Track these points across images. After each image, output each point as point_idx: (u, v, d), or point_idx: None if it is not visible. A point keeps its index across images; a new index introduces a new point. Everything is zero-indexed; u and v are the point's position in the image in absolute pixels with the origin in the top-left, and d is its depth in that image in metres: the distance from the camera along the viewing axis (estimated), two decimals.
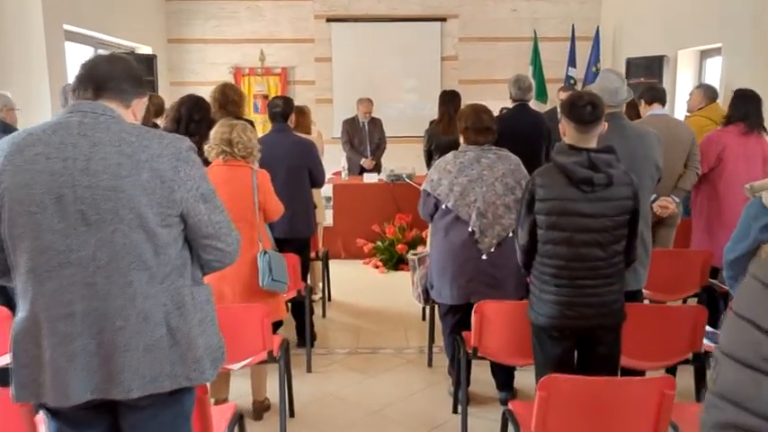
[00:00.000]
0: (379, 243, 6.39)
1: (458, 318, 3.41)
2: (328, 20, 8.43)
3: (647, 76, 6.33)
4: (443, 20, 8.49)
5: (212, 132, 3.12)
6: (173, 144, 1.67)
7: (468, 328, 3.45)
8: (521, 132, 4.96)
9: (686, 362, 2.91)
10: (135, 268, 1.62)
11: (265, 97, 8.43)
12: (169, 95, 6.64)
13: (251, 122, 4.30)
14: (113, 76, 1.68)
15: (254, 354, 2.88)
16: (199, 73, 8.50)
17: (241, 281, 3.05)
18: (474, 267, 3.21)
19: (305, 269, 4.21)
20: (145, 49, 7.57)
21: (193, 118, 3.81)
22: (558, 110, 2.72)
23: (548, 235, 2.42)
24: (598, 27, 8.07)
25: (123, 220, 1.59)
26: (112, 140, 1.60)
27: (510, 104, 7.80)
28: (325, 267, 5.06)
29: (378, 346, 4.34)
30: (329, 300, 5.21)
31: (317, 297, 5.17)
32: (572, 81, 8.09)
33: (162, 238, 1.64)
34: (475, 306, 2.93)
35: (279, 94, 8.41)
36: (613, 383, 2.25)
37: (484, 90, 7.85)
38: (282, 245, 4.13)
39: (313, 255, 4.78)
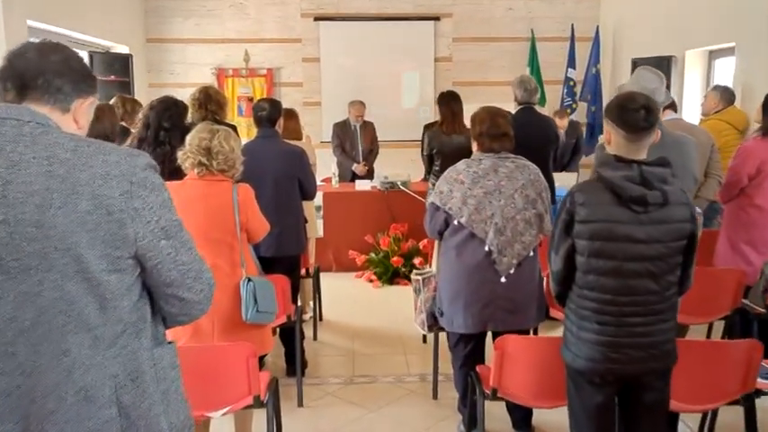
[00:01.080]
0: (373, 255, 5.98)
1: (471, 347, 3.02)
2: (316, 18, 8.03)
3: None
4: (437, 19, 8.12)
5: (189, 137, 2.70)
6: (124, 161, 1.26)
7: (481, 357, 3.07)
8: (528, 137, 4.56)
9: (734, 402, 2.54)
10: (72, 330, 1.21)
11: (250, 100, 8.00)
12: (147, 98, 6.18)
13: (233, 127, 3.90)
14: (44, 71, 1.26)
15: (238, 399, 2.47)
16: (179, 74, 8.05)
17: (221, 312, 2.63)
18: (491, 291, 2.82)
19: (295, 290, 3.79)
20: (121, 49, 7.11)
21: (162, 125, 3.39)
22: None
23: (590, 263, 2.03)
24: (598, 27, 7.74)
25: (54, 267, 1.18)
26: (40, 158, 1.19)
27: (510, 108, 7.43)
28: (317, 286, 4.65)
29: (375, 374, 3.93)
30: (320, 319, 4.80)
31: (307, 317, 4.76)
32: (571, 83, 7.75)
33: (110, 288, 1.24)
34: (495, 342, 2.54)
35: (265, 96, 8.01)
36: None
37: (479, 92, 7.48)
38: (270, 264, 3.72)
39: (303, 272, 4.37)
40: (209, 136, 2.64)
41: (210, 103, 3.88)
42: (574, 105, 7.71)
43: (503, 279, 2.80)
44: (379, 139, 7.00)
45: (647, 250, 1.97)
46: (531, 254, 2.86)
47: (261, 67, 8.08)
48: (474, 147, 2.98)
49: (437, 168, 4.75)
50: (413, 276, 3.38)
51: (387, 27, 8.09)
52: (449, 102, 4.71)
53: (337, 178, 6.47)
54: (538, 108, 7.96)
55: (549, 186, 3.32)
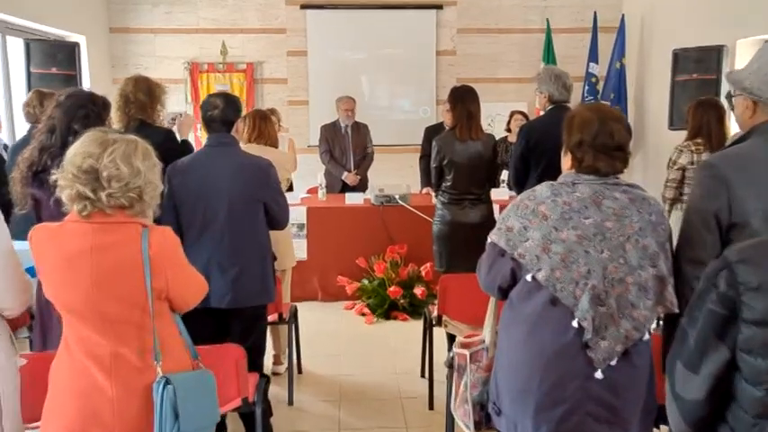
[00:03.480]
0: (366, 282, 5.04)
1: None
2: (303, 6, 7.09)
3: (701, 71, 5.07)
4: (439, 7, 7.18)
5: (68, 155, 1.74)
6: None
7: None
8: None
9: None
10: None
11: None
12: (110, 96, 5.20)
13: (167, 134, 2.98)
14: None
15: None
16: (148, 68, 7.06)
17: (125, 427, 1.67)
18: (580, 391, 1.82)
19: (258, 353, 2.84)
20: (78, 39, 6.13)
21: (73, 129, 2.49)
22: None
23: None
24: (623, 15, 6.81)
25: None
26: None
27: (520, 108, 6.45)
28: (295, 332, 3.69)
29: None
30: (299, 371, 3.84)
31: (281, 369, 3.81)
32: (593, 79, 6.81)
33: None
34: None
35: (244, 93, 7.08)
36: None
37: (486, 90, 6.44)
38: (223, 319, 2.77)
39: (275, 317, 3.41)
40: (97, 151, 1.68)
41: (130, 106, 3.01)
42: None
43: (599, 374, 1.80)
44: (373, 142, 6.08)
45: None
46: (646, 337, 1.89)
47: (240, 61, 7.14)
48: (565, 162, 2.01)
49: (449, 184, 3.79)
50: (455, 350, 2.35)
51: (382, 16, 7.15)
52: (464, 99, 3.75)
53: (324, 190, 5.52)
54: None
55: None
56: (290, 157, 5.73)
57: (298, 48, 7.16)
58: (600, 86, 6.84)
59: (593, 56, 6.86)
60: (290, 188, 6.02)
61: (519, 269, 1.92)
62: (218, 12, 7.08)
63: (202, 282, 1.95)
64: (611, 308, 1.83)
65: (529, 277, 1.89)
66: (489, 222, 3.81)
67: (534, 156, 3.70)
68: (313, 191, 5.87)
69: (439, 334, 3.54)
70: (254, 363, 2.78)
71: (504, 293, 2.01)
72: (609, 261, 1.83)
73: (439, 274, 4.07)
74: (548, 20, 7.05)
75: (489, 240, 2.02)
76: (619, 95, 6.71)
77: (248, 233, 2.71)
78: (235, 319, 2.73)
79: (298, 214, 5.15)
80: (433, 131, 5.93)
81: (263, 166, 2.74)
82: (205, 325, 2.55)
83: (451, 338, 3.62)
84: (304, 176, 6.29)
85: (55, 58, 4.91)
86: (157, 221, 2.71)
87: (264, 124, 3.63)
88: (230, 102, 2.75)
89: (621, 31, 6.76)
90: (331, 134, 5.94)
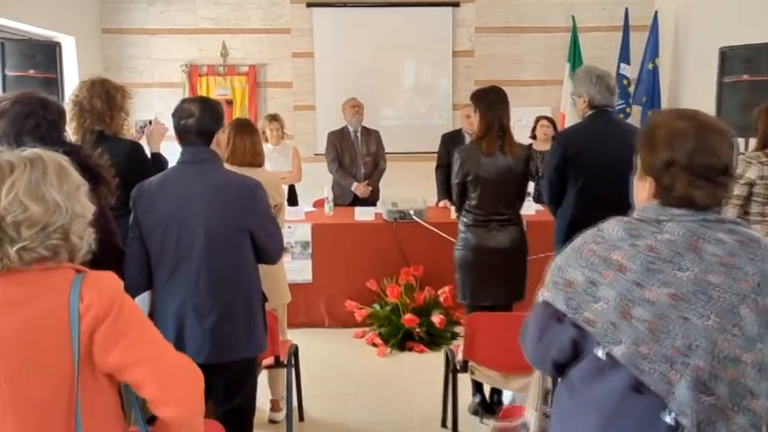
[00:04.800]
0: (377, 307, 4.52)
1: None
2: (309, 5, 6.60)
3: (752, 72, 4.50)
4: (456, 5, 6.67)
5: None
6: None
7: None
8: (607, 157, 3.13)
9: None
10: None
11: (229, 104, 6.59)
12: None
13: (133, 146, 2.50)
14: None
15: None
16: (143, 72, 6.65)
17: None
18: None
19: (245, 416, 2.32)
20: (66, 40, 5.67)
21: (22, 142, 2.02)
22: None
23: None
24: (656, 12, 6.26)
25: None
26: None
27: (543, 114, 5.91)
28: (296, 374, 3.16)
29: None
30: (301, 419, 3.33)
31: (280, 416, 3.30)
32: (625, 81, 6.26)
33: None
34: None
35: (246, 98, 6.61)
36: None
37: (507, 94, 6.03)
38: (204, 374, 2.26)
39: (271, 361, 2.89)
40: None
41: (85, 115, 2.55)
42: (627, 110, 6.22)
43: None
44: (386, 150, 5.58)
45: None
46: None
47: (242, 64, 6.64)
48: (641, 190, 1.47)
49: (473, 203, 3.24)
50: None
51: (394, 15, 6.63)
52: (493, 105, 3.17)
53: (331, 204, 5.00)
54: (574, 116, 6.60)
55: None
56: (295, 167, 5.26)
57: (303, 49, 6.66)
58: (631, 89, 6.30)
59: (624, 56, 6.31)
60: (295, 201, 5.54)
61: (584, 340, 1.40)
62: (218, 10, 6.60)
63: (167, 355, 1.38)
64: (720, 398, 1.29)
65: (601, 353, 1.36)
66: (520, 247, 3.28)
67: (573, 168, 3.18)
68: (319, 203, 5.37)
69: (463, 375, 3.02)
70: (242, 426, 2.27)
71: (560, 370, 1.49)
72: (718, 332, 1.30)
73: (462, 305, 3.55)
74: (573, 17, 6.52)
75: (540, 298, 1.50)
76: (652, 99, 6.16)
77: (231, 270, 2.20)
78: (216, 377, 2.22)
79: (302, 232, 4.65)
80: (450, 139, 5.45)
81: (248, 187, 2.22)
82: None
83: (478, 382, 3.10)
84: (310, 187, 5.84)
85: (33, 60, 4.43)
86: (119, 257, 2.23)
87: (241, 139, 2.99)
88: (208, 108, 2.24)
89: (654, 29, 6.22)
90: (339, 141, 5.45)
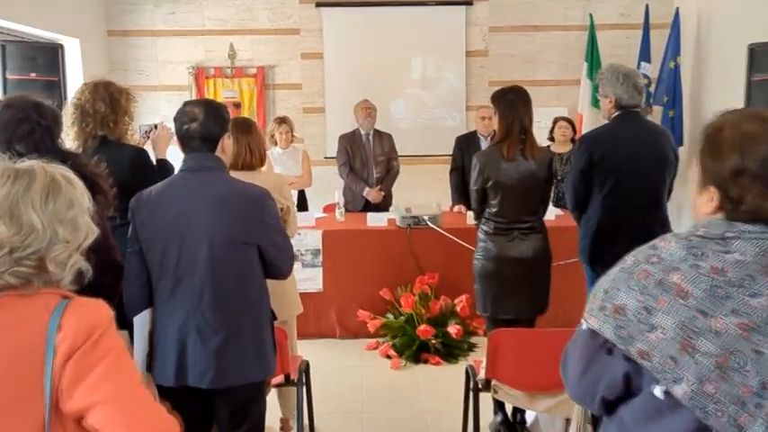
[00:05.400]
0: (391, 317, 4.34)
1: None
2: (318, 4, 6.43)
3: None
4: (469, 3, 6.48)
5: None
6: None
7: None
8: (636, 161, 2.96)
9: None
10: None
11: (237, 106, 6.45)
12: None
13: (138, 152, 2.36)
14: None
15: None
16: (150, 75, 6.50)
17: None
18: None
19: None
20: (70, 42, 5.54)
21: (14, 148, 1.87)
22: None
23: None
24: (677, 9, 6.05)
25: None
26: None
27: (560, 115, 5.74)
28: (307, 392, 2.98)
29: None
30: None
31: None
32: (645, 81, 6.03)
33: None
34: None
35: (254, 100, 6.45)
36: None
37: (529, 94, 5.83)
38: (207, 401, 2.10)
39: (281, 379, 2.72)
40: None
41: (87, 119, 2.40)
42: (648, 110, 6.00)
43: None
44: (399, 153, 5.42)
45: None
46: None
47: (250, 65, 6.48)
48: (704, 202, 1.27)
49: (494, 211, 3.05)
50: None
51: (406, 14, 6.45)
52: (513, 105, 2.98)
53: (342, 209, 4.83)
54: (594, 116, 6.39)
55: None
56: (305, 173, 5.09)
57: (313, 50, 6.49)
58: (651, 89, 6.09)
59: (645, 54, 6.11)
60: (305, 206, 5.38)
61: (638, 375, 1.21)
62: (226, 11, 6.45)
63: (158, 415, 1.19)
64: None
65: (658, 391, 1.17)
66: (544, 257, 3.09)
67: (599, 173, 2.99)
68: (330, 208, 5.21)
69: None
70: None
71: (609, 408, 1.30)
72: None
73: (481, 317, 3.37)
74: (591, 15, 6.31)
75: (584, 326, 1.31)
76: (673, 99, 5.95)
77: (237, 287, 2.03)
78: (221, 402, 2.05)
79: (312, 239, 4.49)
80: (464, 141, 5.28)
81: (256, 197, 2.05)
82: (186, 404, 1.87)
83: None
84: (321, 191, 5.68)
85: (34, 62, 4.29)
86: (119, 272, 2.07)
87: (236, 141, 2.67)
88: (213, 111, 2.06)
89: (676, 26, 6.01)
90: (350, 144, 5.28)
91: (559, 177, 4.75)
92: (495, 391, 2.64)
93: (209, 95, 6.46)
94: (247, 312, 2.06)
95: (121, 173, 2.66)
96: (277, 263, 2.11)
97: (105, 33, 6.38)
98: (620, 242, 2.96)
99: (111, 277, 2.10)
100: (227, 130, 2.11)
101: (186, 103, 2.10)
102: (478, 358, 3.00)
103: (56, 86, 4.39)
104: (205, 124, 2.03)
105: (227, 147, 2.10)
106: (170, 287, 2.03)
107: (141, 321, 2.08)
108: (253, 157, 2.77)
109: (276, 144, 5.21)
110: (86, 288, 1.25)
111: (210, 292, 2.00)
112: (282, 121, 5.26)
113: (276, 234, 2.09)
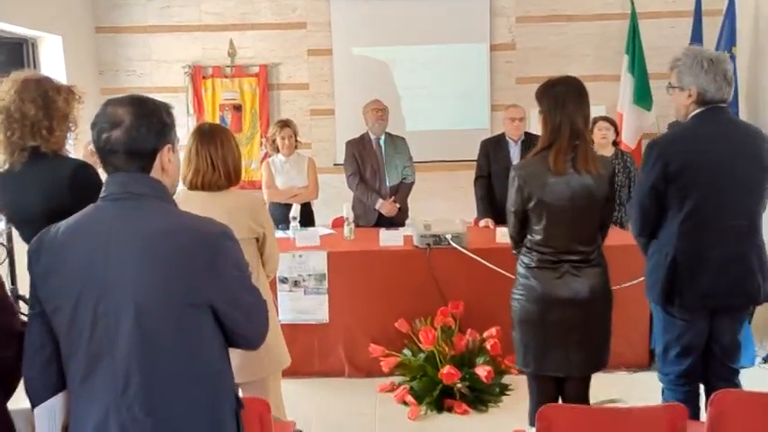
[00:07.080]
0: (408, 353, 3.69)
1: None
2: None
3: None
4: None
5: None
6: None
7: None
8: (729, 170, 2.27)
9: None
10: None
11: (237, 108, 5.88)
12: (95, 110, 3.92)
13: (78, 168, 1.79)
14: None
15: None
16: (142, 75, 5.95)
17: None
18: None
19: None
20: (51, 39, 4.97)
21: None
22: None
23: None
24: None
25: None
26: None
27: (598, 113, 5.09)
28: None
29: None
30: None
31: None
32: None
33: None
34: None
35: (257, 102, 5.90)
36: None
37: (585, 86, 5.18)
38: None
39: None
40: None
41: (14, 125, 1.84)
42: None
43: None
44: (414, 159, 4.79)
45: None
46: None
47: (251, 64, 5.91)
48: None
49: (538, 239, 2.36)
50: None
51: (423, 5, 5.84)
52: (562, 101, 2.31)
53: (351, 226, 4.19)
54: (637, 114, 5.68)
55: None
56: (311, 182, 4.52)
57: (320, 45, 5.91)
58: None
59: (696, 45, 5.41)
60: (311, 221, 4.75)
61: None
62: (225, 5, 5.88)
63: None
64: None
65: None
66: (603, 297, 2.42)
67: (677, 188, 2.32)
68: (339, 222, 4.59)
69: None
70: None
71: None
72: None
73: (521, 371, 2.69)
74: (632, 2, 5.63)
75: None
76: None
77: (179, 367, 1.39)
78: None
79: (316, 261, 3.86)
80: (491, 145, 4.65)
81: (207, 237, 1.40)
82: None
83: None
84: (329, 202, 5.11)
85: None
86: (19, 341, 1.45)
87: (196, 152, 2.19)
88: (146, 112, 1.41)
89: (730, 13, 5.34)
90: (359, 151, 4.66)
91: None
92: None
93: (207, 98, 5.92)
94: (197, 402, 1.42)
95: (58, 194, 2.08)
96: (241, 331, 1.47)
97: (93, 30, 5.84)
98: (706, 278, 2.30)
99: (8, 349, 1.49)
100: (170, 139, 1.47)
101: (108, 103, 1.45)
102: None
103: None
104: (132, 132, 1.38)
105: (168, 164, 1.46)
106: (83, 368, 1.40)
107: (48, 412, 1.46)
108: (216, 173, 2.13)
109: (278, 151, 4.62)
110: None
111: (139, 377, 1.36)
112: (285, 124, 4.67)
113: (239, 290, 1.44)
